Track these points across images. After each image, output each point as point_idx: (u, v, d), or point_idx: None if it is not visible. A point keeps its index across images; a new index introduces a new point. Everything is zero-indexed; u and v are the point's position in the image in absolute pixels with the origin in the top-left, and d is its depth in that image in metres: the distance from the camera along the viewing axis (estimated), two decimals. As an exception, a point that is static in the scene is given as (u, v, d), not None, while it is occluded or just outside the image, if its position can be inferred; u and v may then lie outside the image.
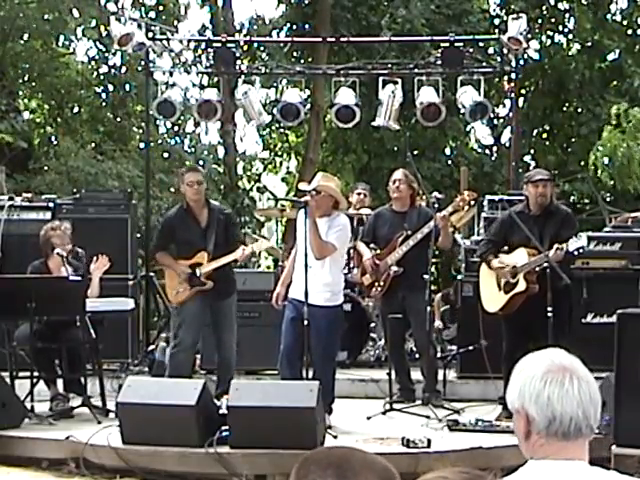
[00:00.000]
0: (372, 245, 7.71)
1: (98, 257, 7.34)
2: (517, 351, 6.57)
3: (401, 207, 7.61)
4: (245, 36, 15.91)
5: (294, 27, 16.64)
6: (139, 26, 9.61)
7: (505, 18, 13.75)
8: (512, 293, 6.62)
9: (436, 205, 7.22)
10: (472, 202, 7.40)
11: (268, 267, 14.98)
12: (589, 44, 17.23)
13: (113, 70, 15.89)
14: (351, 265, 8.57)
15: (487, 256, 6.84)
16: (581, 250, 6.33)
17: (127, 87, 15.74)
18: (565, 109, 17.75)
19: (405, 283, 7.41)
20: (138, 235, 9.44)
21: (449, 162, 16.99)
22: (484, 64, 10.03)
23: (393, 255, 7.48)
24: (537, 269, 6.51)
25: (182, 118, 14.69)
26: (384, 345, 8.50)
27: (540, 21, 17.36)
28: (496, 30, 15.58)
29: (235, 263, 7.48)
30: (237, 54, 9.79)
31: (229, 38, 10.30)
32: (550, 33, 17.72)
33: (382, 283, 7.53)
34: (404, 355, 7.84)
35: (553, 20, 17.61)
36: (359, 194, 9.49)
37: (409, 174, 7.65)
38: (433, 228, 7.20)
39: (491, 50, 13.98)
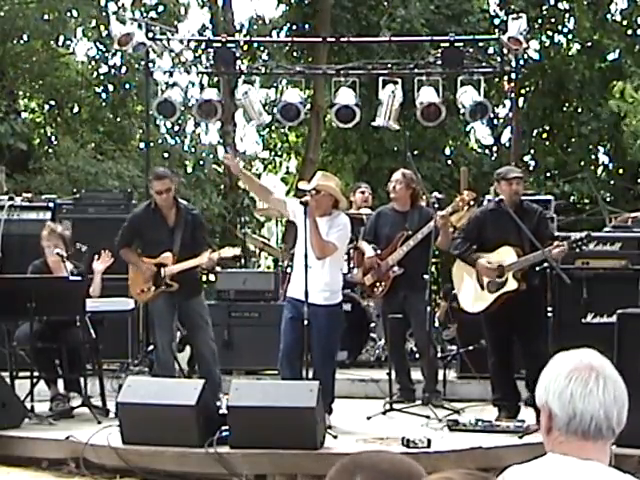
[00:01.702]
0: (372, 245, 7.70)
1: (101, 253, 7.35)
2: (502, 350, 6.64)
3: (402, 207, 7.60)
4: (245, 36, 15.91)
5: (294, 27, 16.65)
6: (139, 26, 9.61)
7: (505, 18, 13.75)
8: (501, 292, 6.56)
9: (436, 205, 7.22)
10: (472, 202, 7.37)
11: (268, 267, 14.96)
12: (589, 44, 17.24)
13: (113, 70, 15.89)
14: (351, 265, 8.57)
15: (467, 255, 6.79)
16: (583, 241, 6.38)
17: (127, 87, 15.74)
18: (565, 109, 17.76)
19: (406, 283, 7.40)
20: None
21: (449, 162, 16.99)
22: (484, 64, 10.00)
23: (394, 255, 7.47)
24: (539, 269, 6.51)
25: (182, 118, 14.69)
26: (384, 345, 8.50)
27: (540, 21, 17.37)
28: (496, 30, 15.58)
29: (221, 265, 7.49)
30: (237, 54, 9.79)
31: (229, 38, 10.30)
32: (550, 33, 17.72)
33: (384, 283, 7.53)
34: (404, 355, 7.84)
35: (553, 20, 17.62)
36: (362, 192, 9.50)
37: (409, 174, 7.63)
38: (433, 228, 7.19)
39: (491, 50, 13.96)
